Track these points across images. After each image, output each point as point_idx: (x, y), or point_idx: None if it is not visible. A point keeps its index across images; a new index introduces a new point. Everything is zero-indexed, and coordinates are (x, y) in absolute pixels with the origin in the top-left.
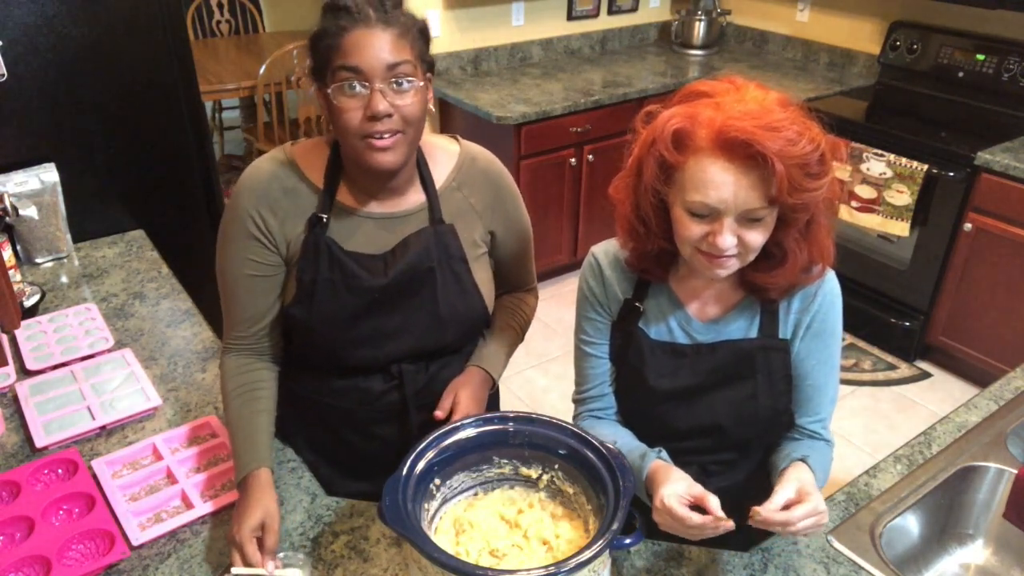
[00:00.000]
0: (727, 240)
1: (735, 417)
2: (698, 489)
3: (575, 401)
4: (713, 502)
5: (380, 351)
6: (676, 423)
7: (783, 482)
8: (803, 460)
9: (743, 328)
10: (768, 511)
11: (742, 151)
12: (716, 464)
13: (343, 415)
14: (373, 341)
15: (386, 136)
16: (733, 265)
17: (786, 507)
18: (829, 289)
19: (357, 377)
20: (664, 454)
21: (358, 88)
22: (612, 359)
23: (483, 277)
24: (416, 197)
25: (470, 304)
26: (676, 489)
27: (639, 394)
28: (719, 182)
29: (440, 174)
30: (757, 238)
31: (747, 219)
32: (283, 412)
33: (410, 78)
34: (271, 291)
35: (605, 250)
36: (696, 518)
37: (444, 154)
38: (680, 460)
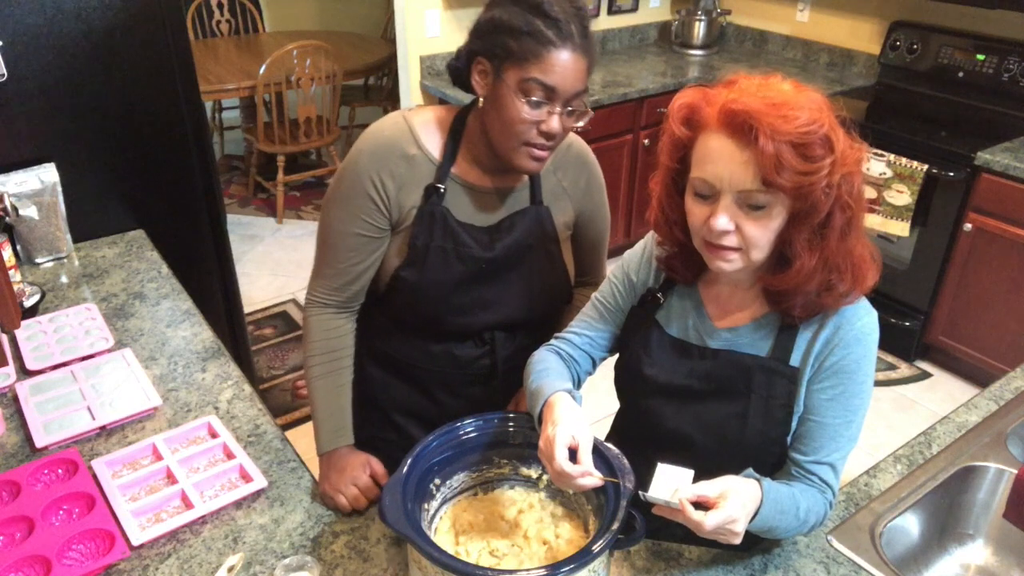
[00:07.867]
0: (721, 221)
1: (720, 433)
2: (583, 438)
3: (555, 336)
4: (585, 449)
5: (476, 319)
6: (662, 422)
7: (714, 481)
8: (759, 480)
9: (756, 344)
10: (682, 497)
11: (740, 125)
12: None
13: (436, 377)
14: (472, 309)
15: (545, 150)
16: (736, 260)
17: (700, 505)
18: (858, 328)
19: (450, 343)
20: (575, 392)
21: (542, 104)
22: (618, 341)
23: (569, 257)
24: (520, 175)
25: (559, 282)
26: (567, 429)
27: (633, 382)
28: (715, 156)
29: None
30: (757, 229)
31: (746, 204)
32: (375, 373)
33: (583, 106)
34: (374, 252)
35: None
36: (569, 468)
37: None
38: None
